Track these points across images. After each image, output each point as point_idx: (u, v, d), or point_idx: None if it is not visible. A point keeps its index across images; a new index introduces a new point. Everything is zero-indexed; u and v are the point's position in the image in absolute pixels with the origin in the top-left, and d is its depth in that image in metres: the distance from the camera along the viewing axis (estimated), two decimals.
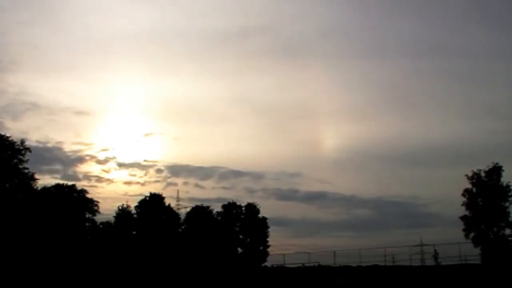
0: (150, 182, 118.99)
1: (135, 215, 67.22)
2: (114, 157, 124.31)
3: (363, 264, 66.16)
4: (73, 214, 58.57)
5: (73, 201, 59.54)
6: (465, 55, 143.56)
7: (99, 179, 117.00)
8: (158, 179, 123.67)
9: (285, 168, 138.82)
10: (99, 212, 62.82)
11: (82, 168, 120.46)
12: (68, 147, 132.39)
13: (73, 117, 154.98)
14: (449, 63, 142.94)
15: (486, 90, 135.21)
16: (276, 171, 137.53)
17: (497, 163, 54.43)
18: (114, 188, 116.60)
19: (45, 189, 58.20)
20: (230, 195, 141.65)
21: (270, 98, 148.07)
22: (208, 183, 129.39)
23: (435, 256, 63.53)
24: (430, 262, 65.93)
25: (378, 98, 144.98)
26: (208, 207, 71.22)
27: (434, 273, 57.97)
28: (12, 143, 52.61)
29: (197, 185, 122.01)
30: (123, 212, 67.25)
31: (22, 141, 53.22)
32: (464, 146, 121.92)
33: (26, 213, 49.94)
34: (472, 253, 56.65)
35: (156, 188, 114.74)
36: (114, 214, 66.90)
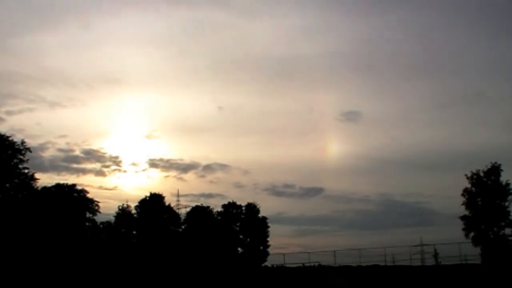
0: (128, 174, 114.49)
1: (135, 215, 67.35)
2: (79, 145, 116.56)
3: (363, 264, 66.09)
4: (74, 214, 58.67)
5: (73, 201, 59.63)
6: (465, 59, 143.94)
7: (67, 169, 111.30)
8: (136, 169, 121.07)
9: (279, 167, 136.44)
10: (99, 212, 63.06)
11: (46, 156, 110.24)
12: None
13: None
14: (448, 68, 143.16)
15: (484, 92, 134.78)
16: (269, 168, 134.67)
17: (496, 163, 54.54)
18: (86, 181, 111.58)
19: (45, 189, 58.26)
20: (217, 190, 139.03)
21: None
22: (189, 176, 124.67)
23: (435, 256, 63.60)
24: (430, 262, 66.05)
25: (381, 108, 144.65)
26: (208, 206, 71.43)
27: (434, 273, 57.94)
28: (12, 143, 52.69)
29: (179, 179, 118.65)
30: (123, 212, 67.41)
31: (23, 141, 53.41)
32: (464, 148, 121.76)
33: (26, 213, 49.99)
34: (472, 253, 56.76)
35: (136, 182, 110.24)
36: (114, 214, 67.28)
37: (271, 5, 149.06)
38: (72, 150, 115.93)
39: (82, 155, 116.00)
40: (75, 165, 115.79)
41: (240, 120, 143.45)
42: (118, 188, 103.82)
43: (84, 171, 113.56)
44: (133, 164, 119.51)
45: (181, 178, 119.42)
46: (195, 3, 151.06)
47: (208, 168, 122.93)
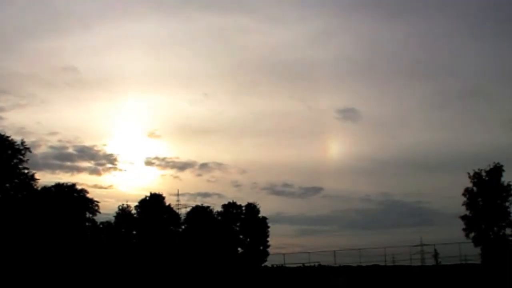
0: (124, 173, 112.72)
1: (135, 215, 67.33)
2: (70, 142, 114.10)
3: (363, 264, 66.14)
4: (73, 214, 58.65)
5: (73, 201, 59.62)
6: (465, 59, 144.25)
7: (61, 167, 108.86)
8: (132, 168, 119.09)
9: (278, 167, 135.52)
10: (99, 212, 63.07)
11: (38, 154, 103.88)
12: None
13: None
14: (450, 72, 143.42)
15: (484, 92, 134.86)
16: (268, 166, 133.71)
17: (498, 163, 54.54)
18: (80, 179, 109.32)
19: (45, 189, 58.24)
20: (214, 189, 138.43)
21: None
22: (186, 175, 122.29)
23: (435, 256, 63.63)
24: (430, 262, 66.10)
25: (381, 108, 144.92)
26: (208, 207, 71.41)
27: (434, 273, 57.95)
28: (12, 143, 52.66)
29: (176, 177, 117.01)
30: (123, 212, 67.39)
31: (23, 141, 53.39)
32: (464, 148, 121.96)
33: (26, 213, 49.95)
34: (472, 253, 56.78)
35: (132, 180, 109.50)
36: (114, 214, 67.23)
37: (272, 10, 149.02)
38: (65, 148, 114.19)
39: (75, 152, 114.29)
40: (68, 163, 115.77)
41: (240, 121, 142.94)
42: (113, 187, 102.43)
43: (78, 169, 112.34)
44: (129, 162, 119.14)
45: (177, 177, 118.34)
46: (200, 7, 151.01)
47: (205, 166, 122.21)
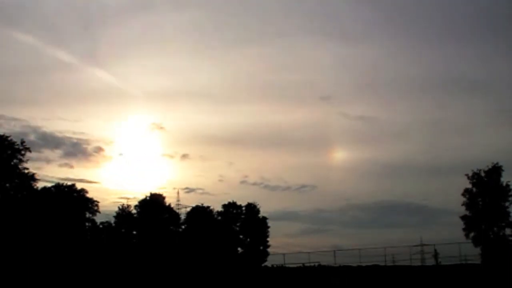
0: (98, 165, 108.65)
1: (135, 215, 67.36)
2: (34, 127, 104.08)
3: (363, 264, 66.19)
4: (73, 214, 58.70)
5: (73, 201, 59.67)
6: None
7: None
8: (106, 159, 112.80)
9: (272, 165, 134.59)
10: (99, 212, 63.12)
11: None
12: None
13: None
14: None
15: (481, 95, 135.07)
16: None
17: (497, 163, 54.59)
18: (51, 171, 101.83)
19: (45, 189, 58.28)
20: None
21: None
22: (169, 167, 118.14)
23: (435, 256, 63.71)
24: (430, 262, 66.19)
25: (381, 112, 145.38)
26: (208, 207, 71.35)
27: (434, 273, 58.00)
28: (12, 143, 52.76)
29: (158, 169, 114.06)
30: (123, 212, 67.42)
31: (22, 141, 53.48)
32: (464, 149, 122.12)
33: (26, 213, 49.99)
34: (472, 253, 56.86)
35: (109, 172, 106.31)
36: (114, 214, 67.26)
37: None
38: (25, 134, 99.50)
39: (39, 141, 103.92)
40: (36, 154, 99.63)
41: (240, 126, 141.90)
42: (85, 180, 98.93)
43: (49, 161, 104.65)
44: (103, 154, 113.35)
45: (159, 168, 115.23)
46: None
47: (186, 157, 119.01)
